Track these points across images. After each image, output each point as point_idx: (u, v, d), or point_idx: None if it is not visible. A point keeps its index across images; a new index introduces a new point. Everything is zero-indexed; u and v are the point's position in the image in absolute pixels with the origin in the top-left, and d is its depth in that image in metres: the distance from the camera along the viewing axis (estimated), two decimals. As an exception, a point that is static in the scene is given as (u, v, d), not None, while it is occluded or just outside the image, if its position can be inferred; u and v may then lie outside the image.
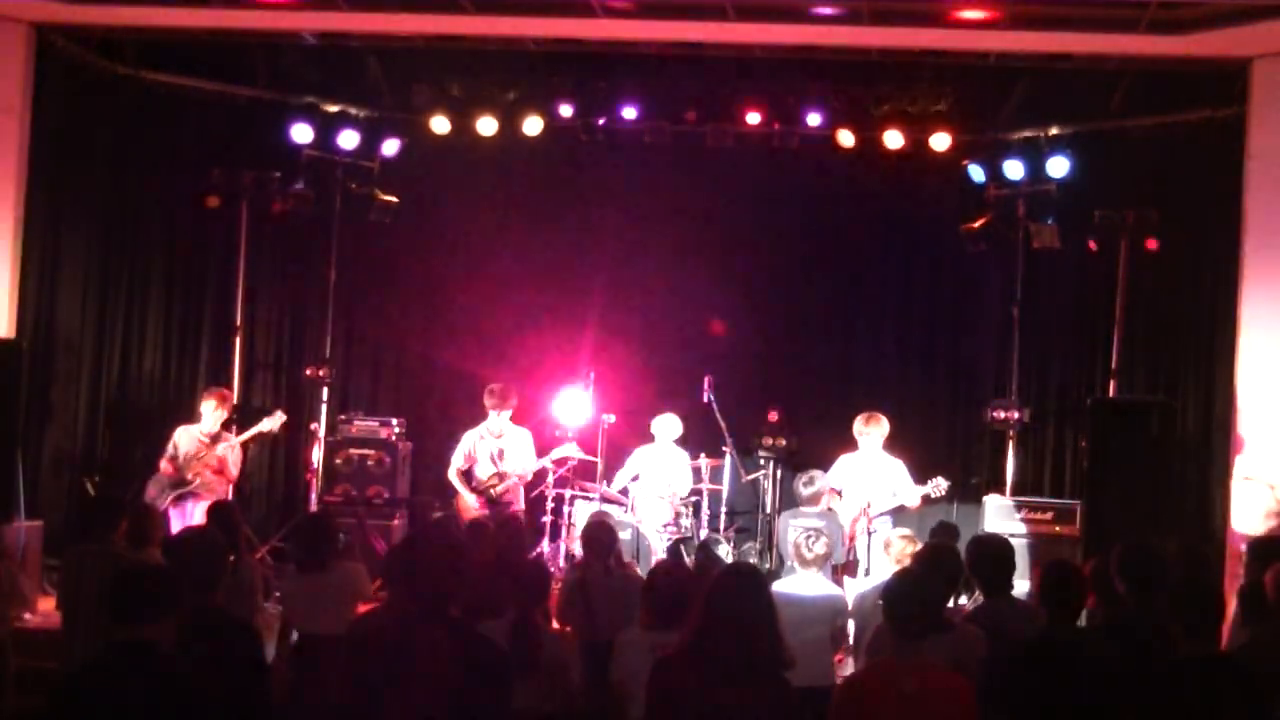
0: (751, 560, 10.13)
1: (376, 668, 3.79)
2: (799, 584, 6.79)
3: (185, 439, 9.87)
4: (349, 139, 11.69)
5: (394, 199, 11.91)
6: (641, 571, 8.07)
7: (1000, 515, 10.32)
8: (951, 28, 9.76)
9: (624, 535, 9.33)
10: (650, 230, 12.17)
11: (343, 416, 11.58)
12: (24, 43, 10.05)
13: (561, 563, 9.99)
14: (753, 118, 11.48)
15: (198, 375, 11.87)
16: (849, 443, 9.99)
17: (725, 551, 7.72)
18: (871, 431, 9.62)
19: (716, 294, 12.21)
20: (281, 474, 12.27)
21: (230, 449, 9.79)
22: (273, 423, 10.24)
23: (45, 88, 10.28)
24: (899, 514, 9.45)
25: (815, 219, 12.23)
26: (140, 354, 11.72)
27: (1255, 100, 9.67)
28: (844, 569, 9.10)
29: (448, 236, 12.42)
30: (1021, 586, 7.42)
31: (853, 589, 8.39)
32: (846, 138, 11.39)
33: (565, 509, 10.44)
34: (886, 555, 7.25)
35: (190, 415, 10.33)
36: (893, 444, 9.75)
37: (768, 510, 10.87)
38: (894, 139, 11.24)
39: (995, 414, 11.19)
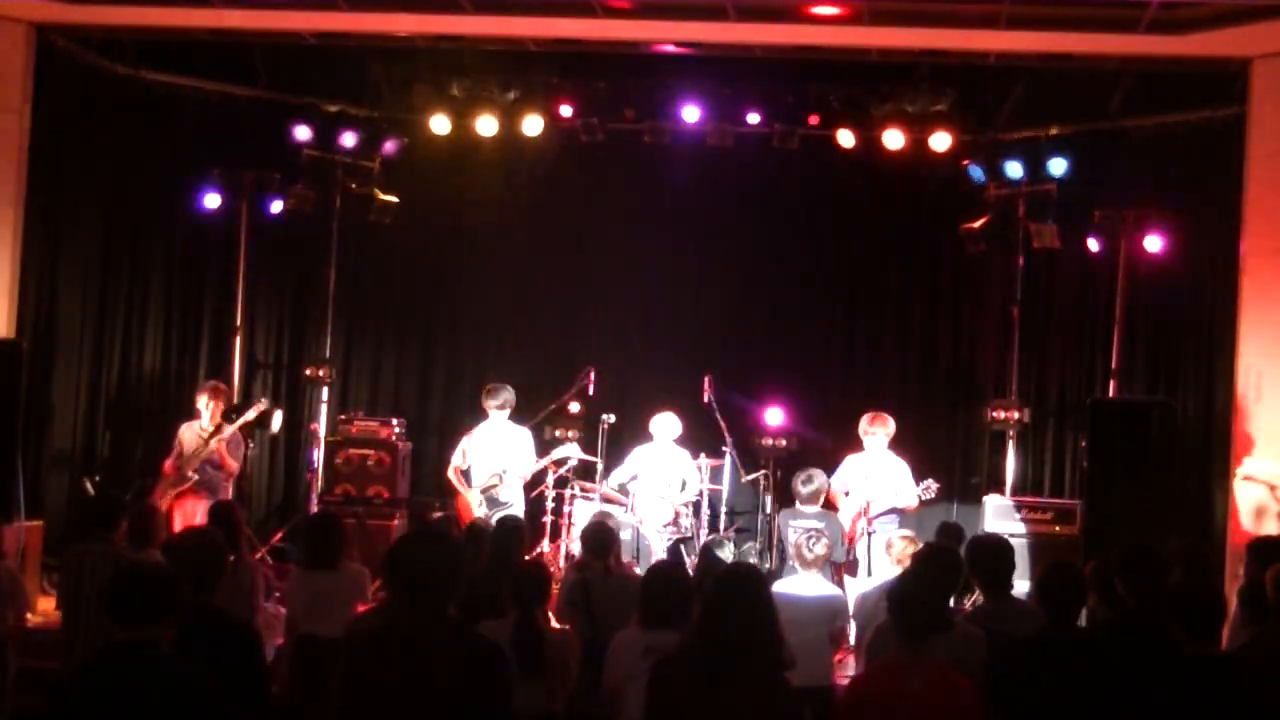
0: (751, 560, 10.13)
1: (376, 669, 3.78)
2: (799, 584, 6.80)
3: (188, 435, 9.88)
4: (349, 139, 11.69)
5: (394, 199, 11.91)
6: (641, 572, 8.07)
7: (1000, 515, 10.31)
8: (951, 27, 9.76)
9: (624, 535, 9.33)
10: (650, 230, 12.17)
11: (343, 416, 11.58)
12: (24, 43, 10.06)
13: (561, 563, 9.98)
14: (753, 118, 11.48)
15: (198, 375, 11.86)
16: (849, 442, 10.00)
17: (728, 553, 7.73)
18: (876, 431, 9.63)
19: (716, 294, 12.21)
20: (281, 474, 12.28)
21: (222, 441, 9.79)
22: (258, 409, 10.14)
23: (45, 88, 10.28)
24: (901, 514, 9.45)
25: (815, 219, 12.23)
26: (140, 354, 11.73)
27: (1255, 100, 9.67)
28: (844, 568, 9.11)
29: (448, 236, 12.42)
30: (1021, 586, 7.42)
31: (853, 589, 8.40)
32: (846, 138, 11.39)
33: (565, 509, 10.44)
34: (887, 556, 7.26)
35: (190, 414, 10.33)
36: (893, 444, 9.76)
37: (768, 510, 10.86)
38: (894, 139, 11.23)
39: (995, 414, 11.18)
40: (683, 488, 10.61)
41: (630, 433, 10.89)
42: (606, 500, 10.38)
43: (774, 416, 11.17)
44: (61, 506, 10.65)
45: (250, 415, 10.08)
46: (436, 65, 11.52)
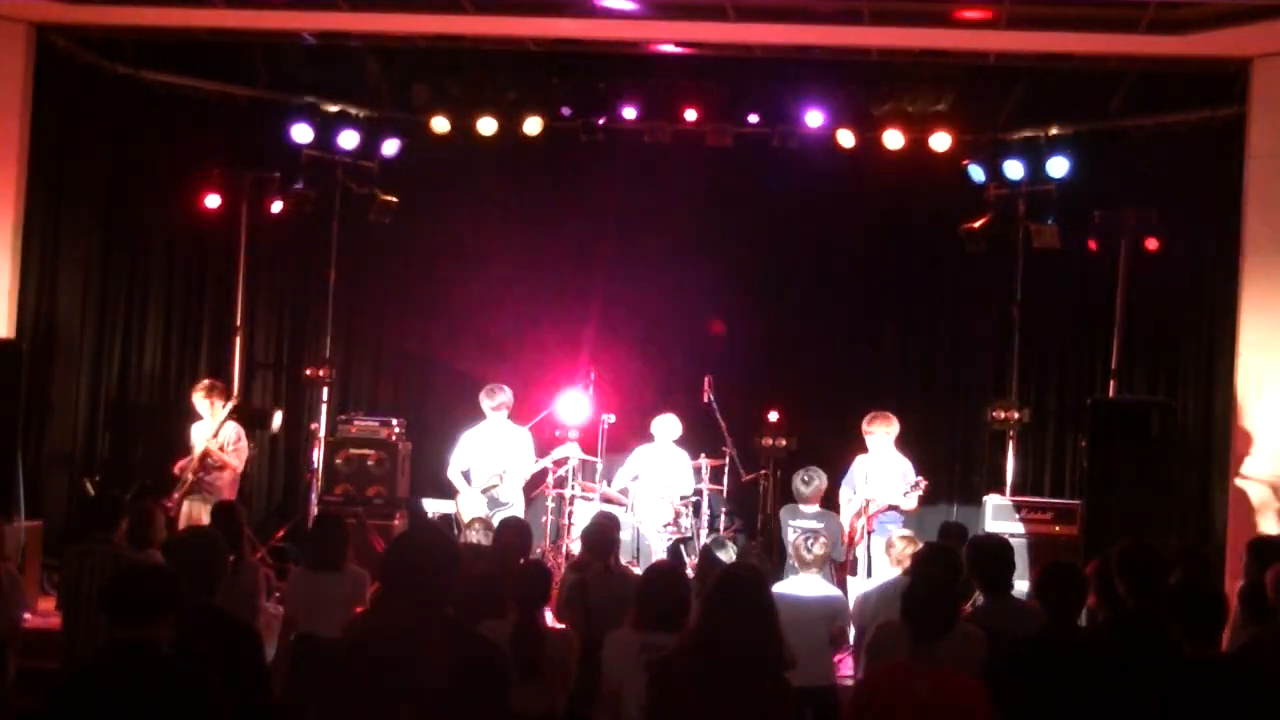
0: (752, 560, 10.13)
1: (373, 667, 3.78)
2: (799, 585, 6.81)
3: (197, 437, 9.91)
4: (349, 139, 11.69)
5: (394, 199, 11.91)
6: (641, 572, 8.07)
7: (1000, 515, 10.31)
8: (951, 27, 9.76)
9: (624, 535, 9.34)
10: (650, 230, 12.16)
11: (343, 416, 11.57)
12: (24, 43, 10.05)
13: (562, 562, 9.99)
14: (753, 118, 11.48)
15: (198, 375, 11.81)
16: (849, 442, 10.00)
17: (730, 553, 7.71)
18: (876, 430, 9.62)
19: (716, 294, 12.20)
20: (281, 474, 12.28)
21: (212, 439, 9.81)
22: (229, 405, 10.10)
23: (45, 88, 10.28)
24: (903, 514, 9.44)
25: (815, 219, 12.22)
26: (140, 354, 11.73)
27: (1255, 100, 9.67)
28: (844, 568, 9.10)
29: (448, 236, 12.41)
30: (1021, 586, 7.42)
31: (853, 589, 8.41)
32: (846, 138, 11.39)
33: (565, 509, 10.44)
34: (887, 556, 7.26)
35: (191, 415, 10.34)
36: (896, 443, 9.75)
37: (768, 510, 10.87)
38: (894, 139, 11.24)
39: (995, 414, 11.19)
40: (681, 489, 10.62)
41: (630, 433, 10.89)
42: (606, 500, 10.38)
43: (774, 416, 11.17)
44: (61, 506, 10.64)
45: (222, 414, 10.05)
46: (436, 65, 11.52)
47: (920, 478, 9.42)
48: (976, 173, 11.36)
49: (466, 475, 10.07)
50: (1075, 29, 9.62)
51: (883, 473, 9.55)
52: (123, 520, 6.70)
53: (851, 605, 7.18)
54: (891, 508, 9.41)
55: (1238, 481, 9.51)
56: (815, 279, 12.34)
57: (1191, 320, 10.90)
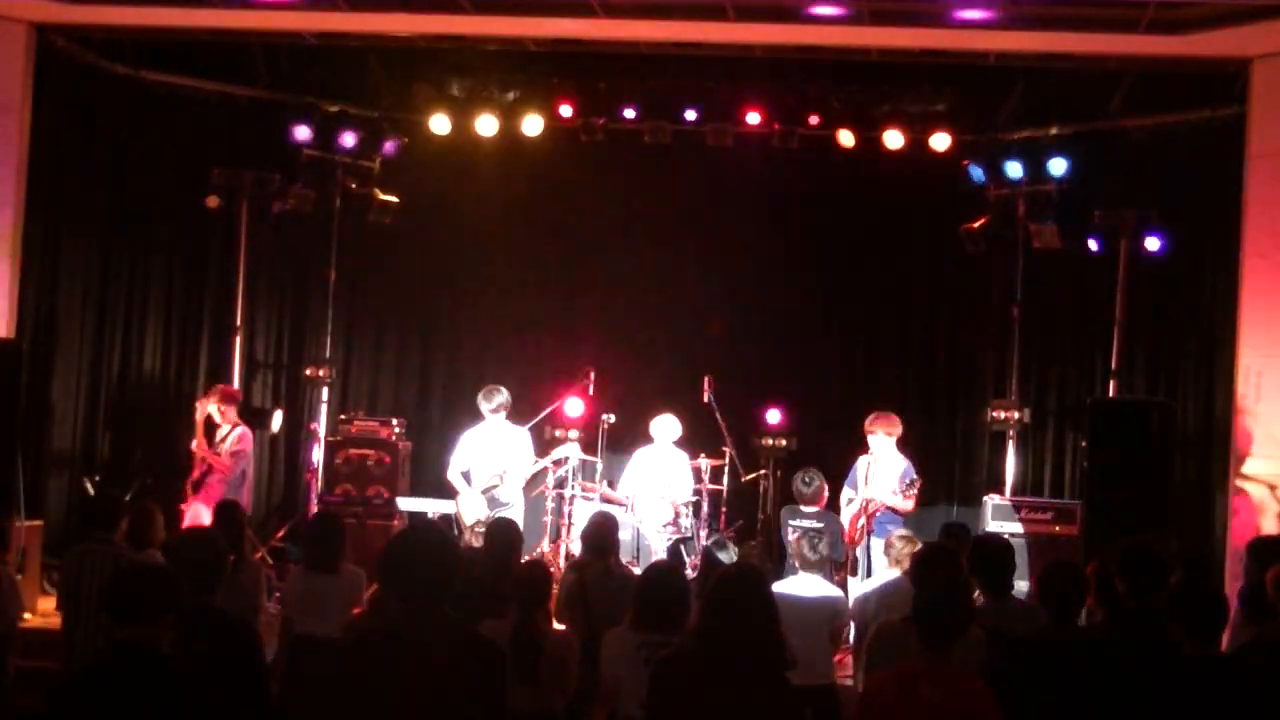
0: (752, 560, 10.13)
1: (371, 666, 3.79)
2: (798, 585, 6.81)
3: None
4: (349, 139, 11.69)
5: (394, 199, 11.91)
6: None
7: (1000, 515, 10.31)
8: (951, 27, 9.76)
9: (624, 535, 9.33)
10: (650, 230, 12.17)
11: (343, 416, 11.58)
12: (24, 43, 10.05)
13: (562, 562, 9.98)
14: (753, 118, 11.48)
15: (198, 375, 11.88)
16: (849, 442, 10.00)
17: (731, 553, 7.74)
18: (878, 431, 9.60)
19: (716, 294, 12.21)
20: (281, 474, 12.28)
21: (217, 447, 9.84)
22: (202, 407, 10.16)
23: (45, 88, 10.28)
24: (902, 515, 9.44)
25: (815, 219, 12.22)
26: (140, 354, 11.73)
27: (1255, 100, 9.67)
28: (844, 569, 9.08)
29: (447, 236, 12.42)
30: (1021, 586, 7.42)
31: (853, 589, 8.40)
32: (846, 138, 11.39)
33: (565, 509, 10.44)
34: (886, 557, 7.25)
35: (191, 415, 10.34)
36: (898, 444, 9.74)
37: (768, 510, 10.87)
38: (894, 139, 11.24)
39: (995, 414, 11.18)
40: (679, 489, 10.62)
41: (630, 433, 10.89)
42: (606, 500, 10.38)
43: (774, 416, 11.17)
44: (61, 506, 10.65)
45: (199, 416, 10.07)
46: (436, 65, 11.52)
47: (916, 477, 9.41)
48: (976, 173, 11.35)
49: (466, 476, 10.07)
50: (1075, 29, 9.62)
51: (883, 473, 9.54)
52: (123, 520, 6.70)
53: (851, 605, 7.18)
54: (890, 508, 9.41)
55: (1238, 482, 9.51)
56: (815, 279, 12.34)
57: (1191, 320, 10.90)
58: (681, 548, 10.53)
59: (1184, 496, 10.15)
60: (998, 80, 11.16)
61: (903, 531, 7.54)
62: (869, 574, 9.06)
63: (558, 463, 10.41)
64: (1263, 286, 9.57)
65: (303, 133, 11.56)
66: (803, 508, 9.05)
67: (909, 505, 9.43)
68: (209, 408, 10.08)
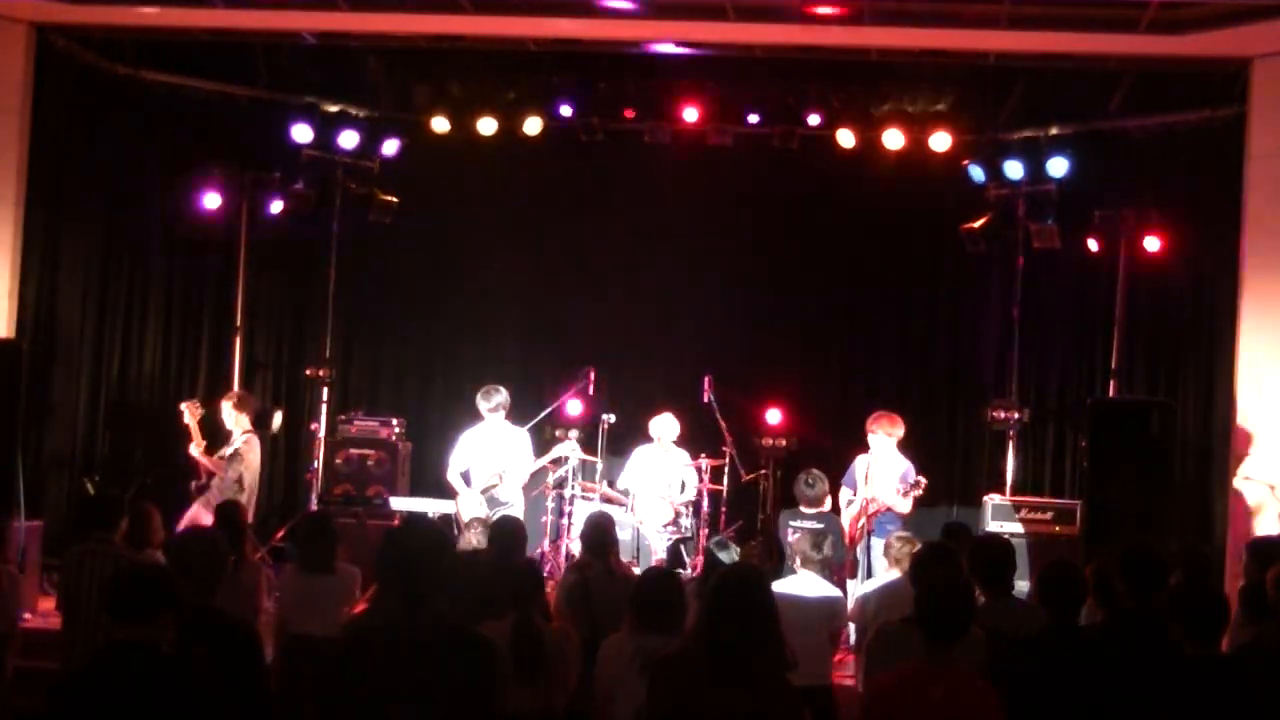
0: (752, 561, 10.11)
1: (367, 662, 3.79)
2: (798, 585, 6.81)
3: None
4: (349, 139, 11.69)
5: (394, 199, 11.91)
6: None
7: (1000, 515, 10.31)
8: (952, 27, 9.76)
9: (624, 535, 9.33)
10: (650, 230, 12.17)
11: (343, 416, 11.57)
12: (24, 43, 10.06)
13: (562, 562, 9.98)
14: (752, 118, 11.48)
15: (198, 375, 11.88)
16: (849, 442, 9.99)
17: (733, 554, 7.72)
18: (878, 430, 9.60)
19: (717, 294, 12.21)
20: (282, 474, 12.28)
21: (202, 451, 9.84)
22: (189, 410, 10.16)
23: (45, 88, 10.28)
24: (901, 516, 9.43)
25: (815, 219, 12.22)
26: (140, 354, 11.72)
27: (1255, 100, 9.67)
28: (844, 570, 9.07)
29: (448, 236, 12.42)
30: (1021, 586, 7.42)
31: (853, 590, 8.40)
32: (846, 138, 11.39)
33: (565, 509, 10.44)
34: (886, 558, 7.25)
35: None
36: (899, 444, 9.74)
37: (768, 510, 10.86)
38: (894, 139, 11.24)
39: (995, 414, 11.18)
40: (682, 489, 10.62)
41: (630, 433, 10.89)
42: (606, 500, 10.38)
43: (774, 416, 11.17)
44: (61, 506, 10.64)
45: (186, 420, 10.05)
46: (436, 65, 11.52)
47: (920, 478, 9.40)
48: (976, 173, 11.36)
49: (465, 476, 10.06)
50: (1075, 29, 9.62)
51: (883, 473, 9.53)
52: (123, 520, 6.71)
53: (851, 606, 7.19)
54: (890, 509, 9.40)
55: (1238, 481, 9.51)
56: (815, 279, 12.34)
57: (1191, 320, 10.90)
58: (681, 548, 10.53)
59: (1184, 496, 10.15)
60: (998, 80, 11.16)
61: (901, 532, 7.54)
62: (869, 574, 9.06)
63: (557, 462, 10.41)
64: (1263, 286, 9.58)
65: (303, 133, 11.56)
66: (804, 509, 9.04)
67: (906, 506, 9.42)
68: (224, 409, 10.05)
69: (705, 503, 10.60)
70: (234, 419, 9.99)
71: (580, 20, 10.01)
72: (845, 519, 9.53)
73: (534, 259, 12.38)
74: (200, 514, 9.48)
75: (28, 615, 7.66)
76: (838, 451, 10.19)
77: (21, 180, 10.10)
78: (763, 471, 10.89)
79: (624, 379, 11.51)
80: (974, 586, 5.87)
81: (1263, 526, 9.13)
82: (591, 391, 10.92)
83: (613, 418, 10.72)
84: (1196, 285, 10.83)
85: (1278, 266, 9.55)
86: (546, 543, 10.49)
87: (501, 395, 10.09)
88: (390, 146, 11.89)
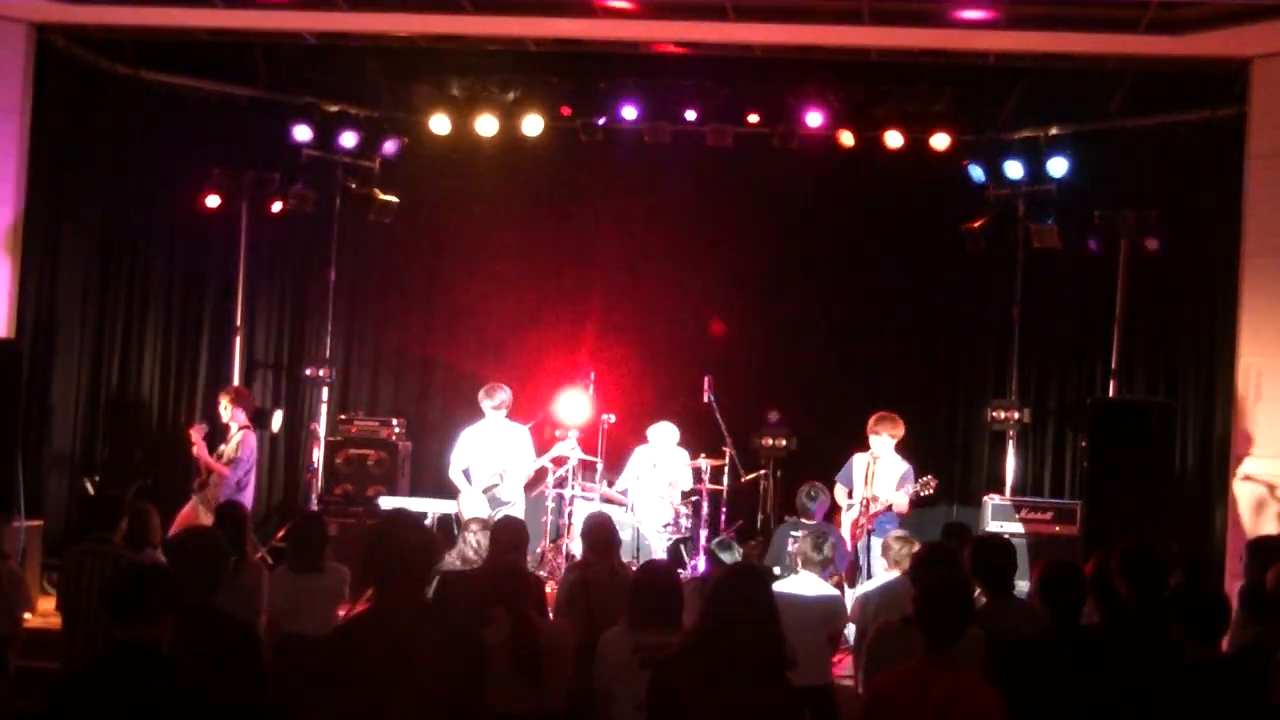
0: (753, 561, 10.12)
1: (352, 662, 3.80)
2: (798, 585, 6.81)
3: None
4: (349, 139, 11.69)
5: (394, 199, 11.92)
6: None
7: (1000, 515, 10.32)
8: (951, 28, 9.76)
9: (624, 535, 9.33)
10: (650, 230, 12.17)
11: (343, 416, 11.59)
12: (24, 43, 10.05)
13: (562, 562, 9.98)
14: (753, 118, 11.48)
15: (198, 375, 11.88)
16: (849, 442, 9.99)
17: (735, 554, 7.75)
18: (881, 431, 9.59)
19: (716, 294, 12.21)
20: (281, 474, 12.28)
21: (220, 454, 9.81)
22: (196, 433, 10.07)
23: (45, 88, 10.28)
24: (900, 516, 9.43)
25: (815, 219, 12.22)
26: (140, 354, 11.73)
27: (1255, 100, 9.67)
28: (845, 577, 9.04)
29: (448, 236, 12.43)
30: (1021, 586, 7.42)
31: (853, 591, 8.40)
32: (846, 138, 11.39)
33: (565, 509, 10.44)
34: (884, 558, 7.25)
35: (191, 415, 10.34)
36: (898, 445, 9.74)
37: (768, 510, 10.87)
38: (894, 139, 11.24)
39: (995, 414, 11.18)
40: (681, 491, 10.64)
41: (630, 433, 10.88)
42: (606, 500, 10.38)
43: (774, 416, 11.16)
44: (61, 506, 10.64)
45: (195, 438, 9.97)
46: (436, 65, 11.52)
47: (928, 477, 9.40)
48: (976, 173, 11.36)
49: (467, 474, 10.06)
50: (1075, 29, 9.62)
51: (883, 474, 9.53)
52: (123, 520, 6.71)
53: (851, 606, 7.19)
54: (890, 510, 9.40)
55: (1238, 481, 9.51)
56: (815, 279, 12.32)
57: (1191, 320, 10.90)
58: (681, 548, 10.53)
59: (1184, 496, 10.16)
60: (998, 80, 11.15)
61: (899, 532, 7.53)
62: (869, 575, 9.06)
63: (557, 461, 10.41)
64: (1263, 286, 9.57)
65: (303, 133, 11.56)
66: (805, 521, 9.04)
67: (903, 505, 9.43)
68: (221, 403, 10.04)
69: (705, 503, 10.60)
70: (230, 414, 9.97)
71: (580, 20, 10.01)
72: (844, 519, 9.53)
73: (534, 259, 12.38)
74: (197, 512, 9.46)
75: (28, 615, 7.64)
76: (838, 451, 10.18)
77: (21, 180, 10.10)
78: (763, 471, 10.89)
79: (624, 379, 11.51)
80: (973, 586, 5.89)
81: (1263, 526, 9.13)
82: (591, 392, 10.92)
83: (613, 418, 10.72)
84: (1196, 285, 10.83)
85: (1278, 267, 9.54)
86: (546, 543, 10.49)
87: (504, 393, 10.09)
88: (390, 146, 11.90)
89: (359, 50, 11.27)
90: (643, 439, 10.72)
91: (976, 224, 11.40)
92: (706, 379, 10.78)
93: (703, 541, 10.14)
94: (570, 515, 10.38)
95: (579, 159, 12.04)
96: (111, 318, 11.53)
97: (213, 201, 11.37)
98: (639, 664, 4.96)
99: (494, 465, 9.97)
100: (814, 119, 11.33)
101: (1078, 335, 11.65)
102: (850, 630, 7.28)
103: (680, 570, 9.47)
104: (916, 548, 6.67)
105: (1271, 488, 9.30)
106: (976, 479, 11.70)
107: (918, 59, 10.55)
